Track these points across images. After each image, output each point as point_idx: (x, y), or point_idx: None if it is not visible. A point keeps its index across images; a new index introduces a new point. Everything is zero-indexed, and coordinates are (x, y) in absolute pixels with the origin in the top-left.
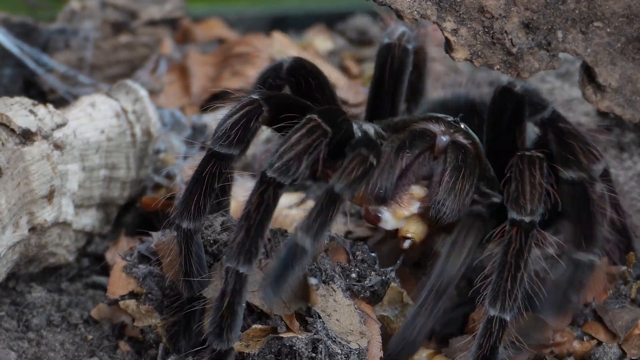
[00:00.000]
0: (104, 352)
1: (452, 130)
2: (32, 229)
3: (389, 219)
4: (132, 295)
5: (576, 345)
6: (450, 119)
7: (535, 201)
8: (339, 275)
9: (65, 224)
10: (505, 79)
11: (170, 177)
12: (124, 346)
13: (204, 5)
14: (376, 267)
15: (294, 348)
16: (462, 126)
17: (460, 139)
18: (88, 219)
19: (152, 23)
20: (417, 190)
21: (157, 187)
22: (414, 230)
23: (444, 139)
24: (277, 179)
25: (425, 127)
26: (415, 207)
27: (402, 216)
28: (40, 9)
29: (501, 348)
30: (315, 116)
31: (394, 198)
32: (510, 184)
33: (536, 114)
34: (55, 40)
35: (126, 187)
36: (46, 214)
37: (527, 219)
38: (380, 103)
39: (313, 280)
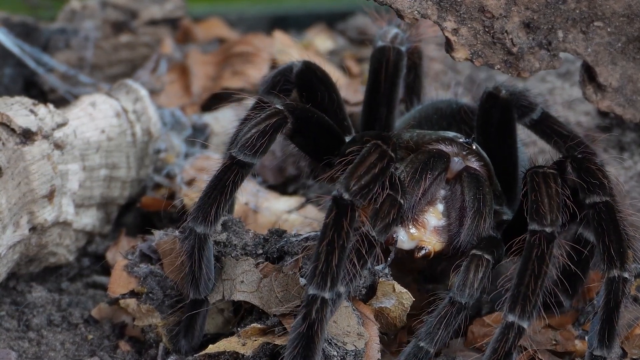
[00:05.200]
0: (104, 351)
1: (464, 153)
2: (33, 229)
3: (405, 240)
4: (133, 294)
5: (578, 344)
6: (462, 139)
7: (555, 211)
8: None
9: (65, 224)
10: (491, 85)
11: (170, 176)
12: (124, 346)
13: (205, 5)
14: (369, 266)
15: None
16: (474, 147)
17: (474, 163)
18: (88, 219)
19: (153, 23)
20: (433, 211)
21: (157, 186)
22: (431, 243)
23: (458, 162)
24: (354, 203)
25: (439, 148)
26: (430, 227)
27: (419, 237)
28: (40, 8)
29: (515, 354)
30: (379, 142)
31: (411, 219)
32: (528, 198)
33: (525, 116)
34: (55, 39)
35: (126, 186)
36: (46, 214)
37: (547, 229)
38: (376, 107)
39: (302, 281)
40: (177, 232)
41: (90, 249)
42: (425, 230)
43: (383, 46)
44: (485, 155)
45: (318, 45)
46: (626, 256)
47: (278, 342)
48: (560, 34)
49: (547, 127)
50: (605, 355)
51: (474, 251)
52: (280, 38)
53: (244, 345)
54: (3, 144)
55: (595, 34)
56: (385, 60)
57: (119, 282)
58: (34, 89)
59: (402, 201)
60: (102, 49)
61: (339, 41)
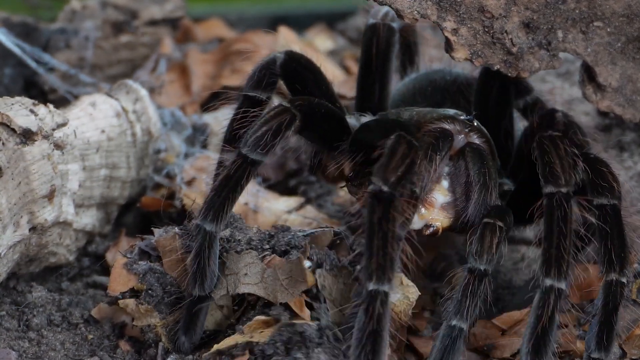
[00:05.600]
0: (104, 351)
1: (467, 130)
2: (33, 229)
3: (415, 220)
4: (133, 292)
5: (578, 344)
6: (463, 117)
7: (568, 171)
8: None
9: (65, 224)
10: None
11: (170, 176)
12: (124, 346)
13: (205, 5)
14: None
15: (305, 334)
16: (475, 124)
17: (475, 139)
18: (88, 219)
19: (153, 23)
20: (439, 189)
21: (157, 186)
22: (439, 220)
23: (460, 139)
24: (394, 194)
25: (442, 127)
26: (438, 205)
27: (427, 216)
28: (41, 8)
29: (559, 318)
30: (403, 133)
31: (420, 200)
32: (539, 163)
33: (520, 97)
34: (56, 39)
35: (126, 186)
36: (47, 214)
37: (564, 190)
38: (369, 84)
39: (307, 264)
40: (176, 229)
41: (91, 249)
42: (433, 209)
43: (374, 23)
44: (486, 131)
45: (318, 45)
46: (626, 261)
47: (296, 322)
48: (560, 34)
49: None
50: (603, 357)
51: (485, 220)
52: (284, 34)
53: (251, 337)
54: (3, 144)
55: (595, 34)
56: (377, 37)
57: (119, 280)
58: (34, 89)
59: (417, 190)
60: (102, 49)
61: (339, 41)
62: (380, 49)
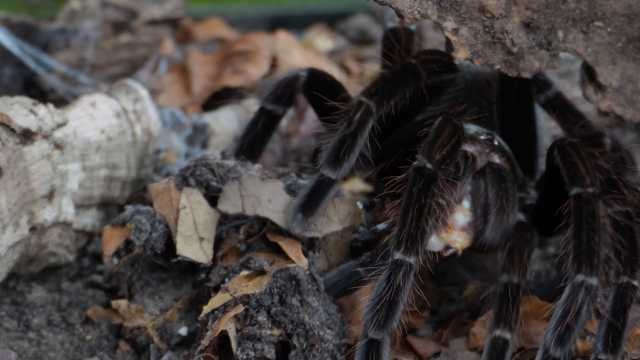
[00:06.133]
0: (104, 351)
1: (487, 150)
2: (33, 229)
3: (435, 242)
4: (127, 244)
5: (578, 343)
6: (484, 136)
7: (592, 172)
8: None
9: (65, 224)
10: None
11: (170, 176)
12: (124, 346)
13: (205, 5)
14: (365, 223)
15: (297, 277)
16: (496, 143)
17: (496, 159)
18: (88, 219)
19: (153, 23)
20: (460, 209)
21: (143, 190)
22: (459, 241)
23: (482, 159)
24: (437, 173)
25: (464, 150)
26: (459, 227)
27: (448, 238)
28: (40, 8)
29: (585, 314)
30: (449, 116)
31: (443, 221)
32: (562, 168)
33: (541, 92)
34: (55, 39)
35: (127, 186)
36: (46, 214)
37: (590, 190)
38: None
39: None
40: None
41: (90, 249)
42: (454, 230)
43: (394, 27)
44: (507, 148)
45: (318, 45)
46: (637, 265)
47: (290, 265)
48: (560, 33)
49: (560, 105)
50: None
51: (509, 244)
52: (283, 38)
53: (240, 292)
54: (3, 144)
55: (595, 34)
56: (398, 40)
57: (111, 241)
58: (34, 89)
59: (459, 172)
60: (102, 49)
61: (339, 41)
62: (402, 53)
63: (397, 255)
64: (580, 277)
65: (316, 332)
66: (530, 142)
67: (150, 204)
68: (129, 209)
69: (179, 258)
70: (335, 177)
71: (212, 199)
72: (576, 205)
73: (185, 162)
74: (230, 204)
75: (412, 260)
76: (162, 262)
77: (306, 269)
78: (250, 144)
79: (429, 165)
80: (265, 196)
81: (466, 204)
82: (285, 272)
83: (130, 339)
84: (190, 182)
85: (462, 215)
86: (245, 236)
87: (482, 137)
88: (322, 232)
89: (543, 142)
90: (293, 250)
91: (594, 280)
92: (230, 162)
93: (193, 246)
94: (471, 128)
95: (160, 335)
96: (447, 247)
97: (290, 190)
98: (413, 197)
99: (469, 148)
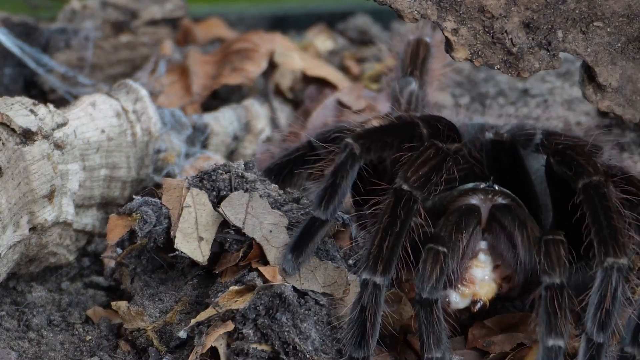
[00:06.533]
0: (104, 351)
1: (490, 197)
2: (33, 229)
3: (458, 300)
4: (131, 235)
5: (577, 343)
6: (483, 185)
7: (592, 163)
8: (340, 257)
9: (65, 224)
10: (489, 134)
11: (170, 176)
12: (124, 346)
13: (205, 5)
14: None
15: (284, 296)
16: (497, 188)
17: (500, 200)
18: (88, 219)
19: (153, 23)
20: (477, 264)
21: (157, 187)
22: (484, 293)
23: (486, 207)
24: (413, 194)
25: (467, 203)
26: (478, 280)
27: (470, 293)
28: (40, 8)
29: (622, 294)
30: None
31: (458, 279)
32: (564, 168)
33: (530, 144)
34: (55, 40)
35: (127, 186)
36: (47, 214)
37: (595, 178)
38: None
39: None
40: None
41: (90, 249)
42: (474, 285)
43: (417, 39)
44: (509, 192)
45: (318, 46)
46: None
47: (274, 283)
48: (560, 34)
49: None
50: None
51: (545, 237)
52: (280, 42)
53: (230, 306)
54: (3, 144)
55: (595, 34)
56: (416, 52)
57: (115, 230)
58: (34, 89)
59: (445, 250)
60: (102, 49)
61: (339, 41)
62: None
63: (364, 275)
64: (610, 260)
65: (309, 357)
66: (531, 200)
67: (160, 197)
68: (138, 199)
69: (177, 253)
70: (325, 218)
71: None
72: (586, 194)
73: (212, 164)
74: (233, 213)
75: (377, 279)
76: (164, 257)
77: (289, 284)
78: (290, 172)
79: (405, 187)
80: (268, 226)
81: (482, 257)
82: (270, 289)
83: (130, 340)
84: (206, 185)
85: (480, 269)
86: (243, 255)
87: (482, 187)
88: (303, 286)
89: (543, 191)
90: (270, 272)
91: (624, 260)
92: (251, 176)
93: (191, 244)
94: (468, 184)
95: (160, 337)
96: (474, 302)
97: (290, 227)
98: (385, 217)
99: (472, 200)
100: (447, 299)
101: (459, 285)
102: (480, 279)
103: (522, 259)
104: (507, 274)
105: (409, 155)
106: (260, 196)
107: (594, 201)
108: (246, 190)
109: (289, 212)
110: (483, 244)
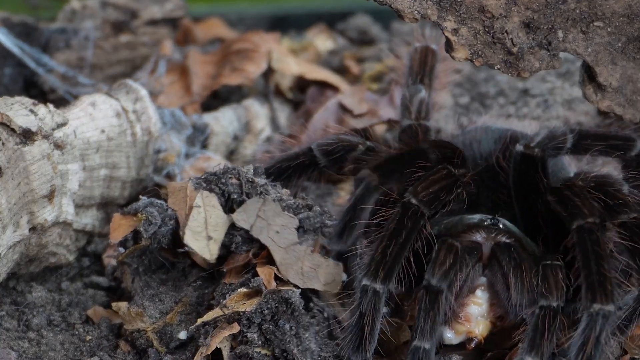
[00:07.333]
0: (104, 351)
1: (493, 235)
2: (33, 229)
3: (452, 337)
4: (134, 235)
5: None
6: (488, 221)
7: (588, 205)
8: None
9: (65, 224)
10: (519, 147)
11: (170, 176)
12: (124, 346)
13: (205, 5)
14: None
15: (290, 301)
16: (501, 226)
17: (503, 239)
18: (88, 219)
19: (153, 23)
20: (474, 301)
21: (158, 186)
22: (479, 331)
23: (488, 245)
24: (420, 208)
25: (468, 239)
26: (474, 318)
27: (464, 330)
28: (40, 8)
29: (606, 343)
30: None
31: (453, 317)
32: (559, 209)
33: (561, 151)
34: (55, 39)
35: (127, 186)
36: (47, 214)
37: (590, 219)
38: None
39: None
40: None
41: (90, 249)
42: (470, 323)
43: (424, 46)
44: (514, 229)
45: (318, 46)
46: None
47: (282, 288)
48: (560, 34)
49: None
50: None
51: (543, 262)
52: (276, 47)
53: (236, 309)
54: (3, 144)
55: (595, 34)
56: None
57: (119, 229)
58: (34, 89)
59: (443, 286)
60: (102, 49)
61: (339, 41)
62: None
63: (364, 281)
64: (596, 306)
65: None
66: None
67: (165, 200)
68: (144, 199)
69: (186, 248)
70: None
71: (230, 210)
72: (580, 237)
73: (218, 167)
74: (244, 217)
75: (377, 286)
76: (167, 256)
77: (297, 290)
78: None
79: (413, 201)
80: (276, 227)
81: (479, 293)
82: (277, 294)
83: (131, 340)
84: (214, 189)
85: (476, 307)
86: (253, 256)
87: (486, 223)
88: (305, 285)
89: None
90: (266, 273)
91: (610, 307)
92: (261, 180)
93: (200, 242)
94: (474, 217)
95: (160, 338)
96: (470, 340)
97: (302, 226)
98: (391, 225)
99: (474, 237)
100: (442, 335)
101: (455, 323)
102: (476, 316)
103: (513, 301)
104: (500, 313)
105: (420, 174)
106: (273, 200)
107: (586, 245)
108: (260, 194)
109: (304, 220)
110: (482, 280)
